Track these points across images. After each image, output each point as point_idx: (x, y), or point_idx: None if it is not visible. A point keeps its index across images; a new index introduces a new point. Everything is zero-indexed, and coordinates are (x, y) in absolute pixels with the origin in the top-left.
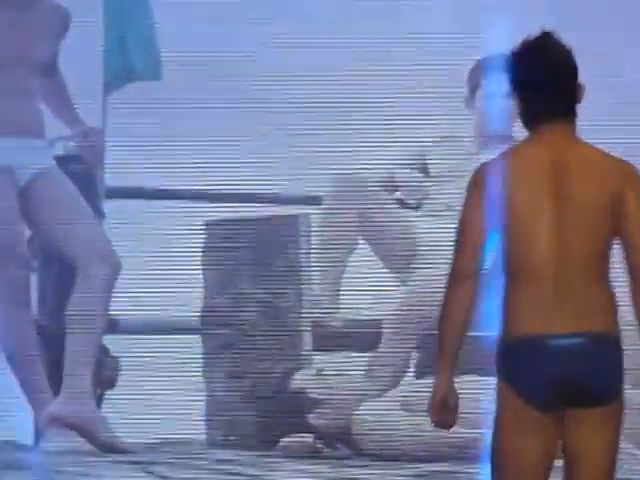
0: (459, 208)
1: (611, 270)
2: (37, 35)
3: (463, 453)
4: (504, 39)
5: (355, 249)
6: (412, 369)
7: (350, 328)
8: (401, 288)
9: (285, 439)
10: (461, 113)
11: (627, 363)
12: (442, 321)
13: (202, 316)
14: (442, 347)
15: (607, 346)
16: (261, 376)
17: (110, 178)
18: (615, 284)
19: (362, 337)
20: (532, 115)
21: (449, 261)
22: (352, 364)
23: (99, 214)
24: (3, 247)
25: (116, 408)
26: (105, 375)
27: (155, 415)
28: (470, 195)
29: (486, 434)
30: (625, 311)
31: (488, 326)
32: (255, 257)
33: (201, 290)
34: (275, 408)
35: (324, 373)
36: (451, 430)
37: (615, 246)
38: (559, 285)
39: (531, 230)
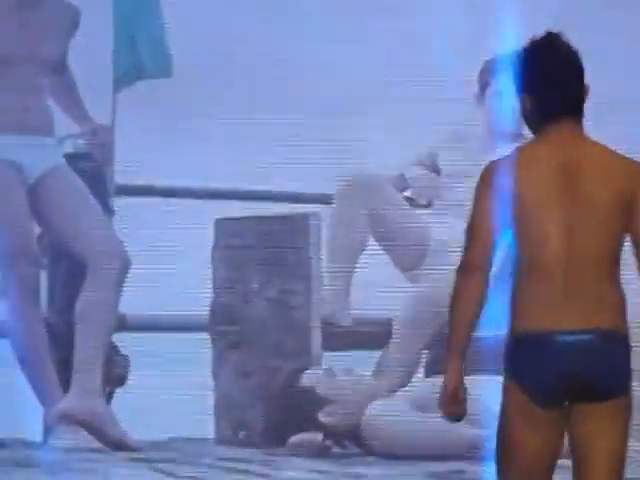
0: (470, 206)
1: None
2: (47, 33)
3: (471, 452)
4: (515, 37)
5: (365, 248)
6: (422, 368)
7: (360, 326)
8: (411, 287)
9: (294, 437)
10: (472, 111)
11: (636, 361)
12: (452, 313)
13: (211, 314)
14: (451, 339)
15: (615, 343)
16: (270, 374)
17: (119, 176)
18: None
19: (372, 335)
20: (542, 115)
21: (459, 261)
22: (362, 362)
23: (108, 211)
24: (13, 244)
25: (125, 405)
26: (115, 373)
27: (164, 412)
28: (479, 192)
29: (492, 433)
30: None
31: (494, 326)
32: (265, 255)
33: (211, 288)
34: (284, 406)
35: (333, 371)
36: (459, 425)
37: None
38: (569, 282)
39: (542, 227)
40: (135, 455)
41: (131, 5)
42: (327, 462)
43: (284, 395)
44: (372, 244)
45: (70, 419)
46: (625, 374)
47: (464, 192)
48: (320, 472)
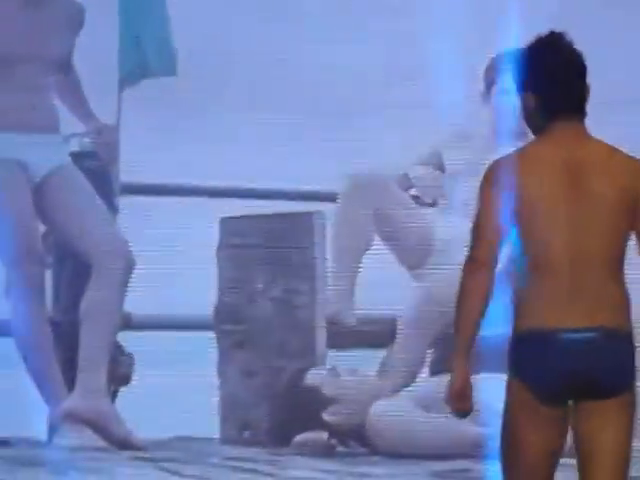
0: (475, 205)
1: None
2: (52, 32)
3: (476, 451)
4: (518, 35)
5: (370, 246)
6: (426, 367)
7: (364, 326)
8: (416, 285)
9: (299, 436)
10: (477, 110)
11: None
12: (458, 310)
13: (216, 313)
14: (458, 336)
15: (619, 341)
16: (275, 373)
17: (124, 174)
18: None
19: (376, 335)
20: (546, 113)
21: (465, 258)
22: (367, 362)
23: (113, 210)
24: (18, 243)
25: (130, 404)
26: (120, 372)
27: (169, 412)
28: (484, 191)
29: (496, 432)
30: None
31: (496, 324)
32: (270, 254)
33: (215, 287)
34: (289, 405)
35: (338, 371)
36: (464, 423)
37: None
38: (573, 280)
39: (546, 225)
40: (140, 454)
41: (136, 3)
42: (332, 461)
43: (289, 394)
44: (377, 243)
45: (75, 418)
46: (629, 372)
47: (469, 191)
48: (325, 471)
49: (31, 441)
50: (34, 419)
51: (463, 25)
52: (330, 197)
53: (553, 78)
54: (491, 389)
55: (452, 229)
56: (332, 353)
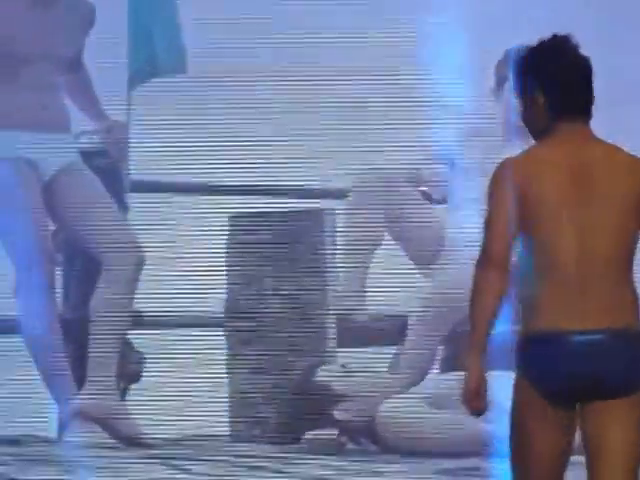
0: (485, 203)
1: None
2: (63, 31)
3: (486, 449)
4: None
5: (381, 244)
6: (437, 364)
7: (375, 323)
8: (426, 283)
9: (309, 434)
10: (488, 106)
11: None
12: (472, 309)
13: (226, 310)
14: (473, 335)
15: (627, 341)
16: (285, 371)
17: (134, 172)
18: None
19: (387, 332)
20: (555, 113)
21: (475, 256)
22: (377, 359)
23: (123, 208)
24: (28, 242)
25: (140, 402)
26: (129, 369)
27: (178, 409)
28: (495, 190)
29: (505, 429)
30: None
31: (504, 322)
32: (280, 251)
33: (225, 284)
34: (299, 403)
35: (349, 368)
36: (474, 421)
37: None
38: (583, 281)
39: (555, 227)
40: (149, 452)
41: (146, 1)
42: (342, 458)
43: (299, 391)
44: (387, 239)
45: (85, 416)
46: (638, 372)
47: (480, 187)
48: (335, 468)
49: (41, 439)
50: (44, 417)
51: (475, 22)
52: (340, 194)
53: (564, 79)
54: (500, 387)
55: (463, 226)
56: (342, 350)
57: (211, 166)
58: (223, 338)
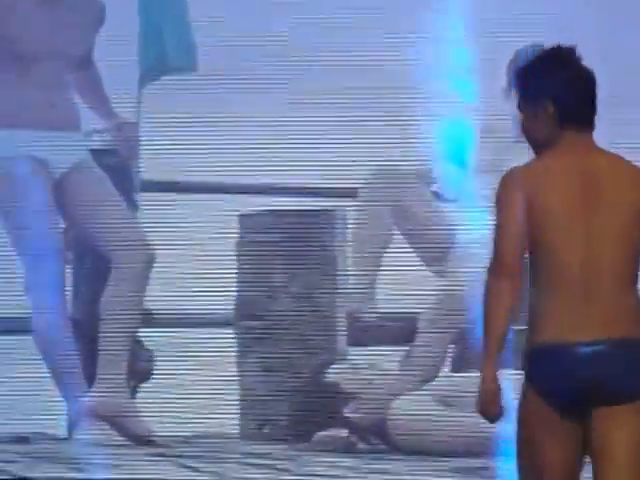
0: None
1: None
2: (73, 29)
3: (496, 448)
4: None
5: (391, 242)
6: (448, 363)
7: (385, 322)
8: (437, 281)
9: (319, 433)
10: (499, 106)
11: None
12: (486, 316)
13: (236, 309)
14: (487, 341)
15: (632, 350)
16: (295, 370)
17: (144, 170)
18: None
19: (397, 331)
20: (565, 123)
21: (485, 254)
22: (387, 358)
23: (133, 206)
24: (38, 239)
25: (149, 400)
26: (139, 368)
27: (188, 408)
28: (504, 195)
29: (514, 430)
30: None
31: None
32: (290, 250)
33: (235, 283)
34: (309, 401)
35: (359, 367)
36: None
37: None
38: (588, 291)
39: (560, 236)
40: (159, 450)
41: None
42: (352, 458)
43: (309, 390)
44: (398, 239)
45: (94, 414)
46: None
47: (492, 187)
48: (345, 468)
49: (51, 437)
50: (54, 415)
51: (487, 21)
52: (351, 193)
53: (575, 89)
54: (508, 386)
55: (473, 225)
56: (353, 349)
57: (221, 165)
58: (233, 337)
